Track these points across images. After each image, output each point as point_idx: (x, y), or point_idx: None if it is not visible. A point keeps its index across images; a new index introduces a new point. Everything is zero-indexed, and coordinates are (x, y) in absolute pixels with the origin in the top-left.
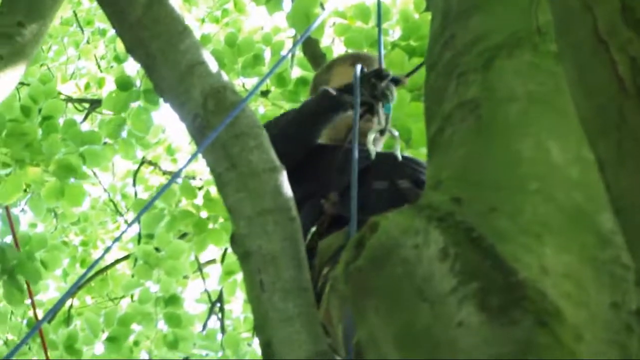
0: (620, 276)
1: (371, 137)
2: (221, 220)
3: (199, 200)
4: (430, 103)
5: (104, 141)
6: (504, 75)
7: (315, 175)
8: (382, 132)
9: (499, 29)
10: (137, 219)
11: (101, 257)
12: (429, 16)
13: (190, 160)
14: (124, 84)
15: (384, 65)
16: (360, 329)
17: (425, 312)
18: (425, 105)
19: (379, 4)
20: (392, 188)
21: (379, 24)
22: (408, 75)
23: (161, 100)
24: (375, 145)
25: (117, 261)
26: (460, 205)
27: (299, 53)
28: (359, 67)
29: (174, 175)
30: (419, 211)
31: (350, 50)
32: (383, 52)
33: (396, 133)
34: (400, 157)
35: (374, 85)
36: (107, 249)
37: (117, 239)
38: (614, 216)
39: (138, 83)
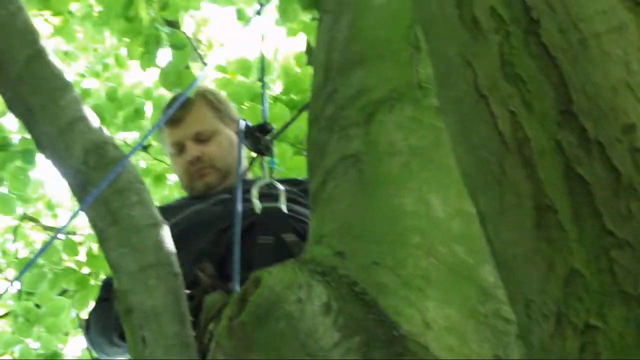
0: (501, 330)
1: (255, 191)
2: (103, 276)
3: (81, 257)
4: (312, 157)
5: None
6: (385, 130)
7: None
8: (268, 186)
9: (380, 83)
10: (18, 278)
11: None
12: (310, 70)
13: (72, 218)
14: (0, 144)
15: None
16: None
17: None
18: (308, 159)
19: (262, 58)
20: (278, 242)
21: (262, 78)
22: (286, 126)
23: (39, 158)
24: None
25: None
26: (343, 259)
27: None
28: (242, 122)
29: (56, 233)
30: (302, 265)
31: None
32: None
33: (281, 187)
34: (285, 210)
35: (257, 139)
36: None
37: None
38: (496, 269)
39: (15, 140)
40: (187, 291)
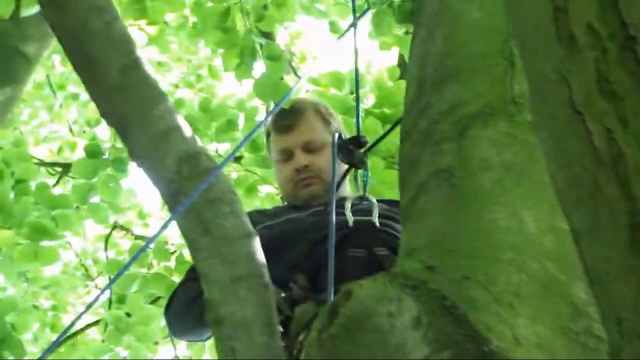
0: (593, 347)
1: (349, 204)
2: None
3: (172, 264)
4: (404, 171)
5: (76, 205)
6: (478, 145)
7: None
8: (361, 198)
9: (474, 98)
10: (112, 282)
11: (72, 324)
12: (402, 84)
13: (164, 226)
14: (93, 152)
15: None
16: None
17: None
18: (400, 173)
19: (356, 72)
20: (370, 256)
21: (356, 91)
22: (379, 140)
23: (131, 166)
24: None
25: (88, 326)
26: (433, 274)
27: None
28: (336, 135)
29: (149, 240)
30: (392, 279)
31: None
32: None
33: (374, 200)
34: (378, 224)
35: (351, 152)
36: (79, 316)
37: (90, 305)
38: (588, 287)
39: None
40: (282, 295)
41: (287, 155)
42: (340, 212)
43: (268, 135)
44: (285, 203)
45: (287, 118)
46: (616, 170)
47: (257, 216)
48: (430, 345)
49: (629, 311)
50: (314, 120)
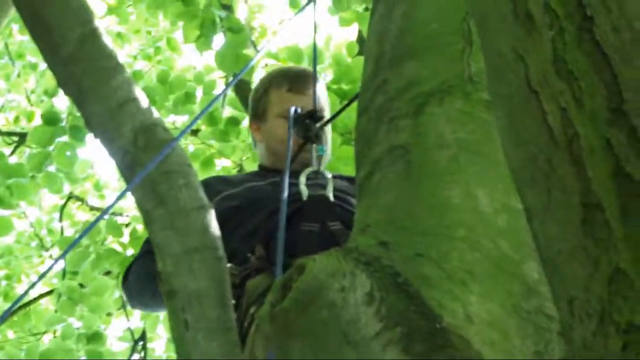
0: (544, 326)
1: (303, 178)
2: None
3: (125, 238)
4: (360, 147)
5: (31, 175)
6: (434, 122)
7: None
8: (315, 173)
9: (431, 75)
10: (62, 257)
11: (25, 293)
12: (361, 60)
13: (119, 198)
14: (50, 119)
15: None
16: None
17: (349, 356)
18: (356, 149)
19: (315, 47)
20: (323, 230)
21: (314, 66)
22: (335, 115)
23: (88, 136)
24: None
25: (41, 296)
26: (387, 250)
27: (230, 93)
28: (292, 109)
29: (102, 213)
30: (346, 254)
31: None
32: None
33: (329, 175)
34: (332, 199)
35: (307, 127)
36: (32, 285)
37: (42, 275)
38: (541, 266)
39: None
40: (232, 267)
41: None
42: (295, 185)
43: (265, 90)
44: (256, 167)
45: (303, 81)
46: (570, 150)
47: (219, 184)
48: (382, 321)
49: (580, 290)
50: (325, 95)
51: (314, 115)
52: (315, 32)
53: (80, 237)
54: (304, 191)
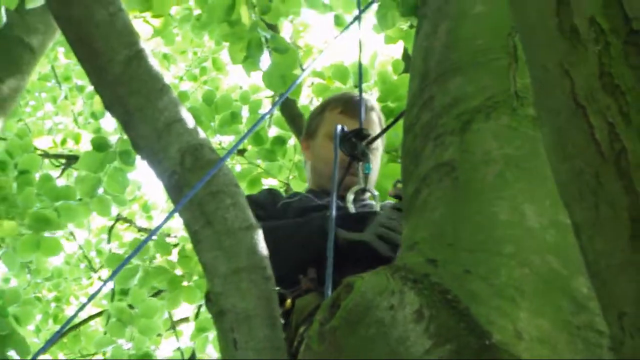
0: (593, 342)
1: (350, 197)
2: (195, 277)
3: (174, 257)
4: (407, 164)
5: (79, 197)
6: (481, 138)
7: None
8: (362, 191)
9: (477, 92)
10: (112, 277)
11: (75, 315)
12: (406, 78)
13: (167, 219)
14: (100, 145)
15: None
16: None
17: None
18: (402, 166)
19: (360, 65)
20: (372, 249)
21: (359, 84)
22: (381, 133)
23: (137, 160)
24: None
25: (90, 317)
26: (435, 267)
27: (276, 112)
28: (339, 127)
29: (151, 233)
30: (394, 272)
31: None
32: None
33: (376, 192)
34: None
35: (353, 145)
36: (82, 307)
37: (92, 297)
38: (589, 281)
39: (114, 140)
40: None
41: None
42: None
43: (320, 111)
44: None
45: (356, 105)
46: (618, 164)
47: (279, 196)
48: (431, 339)
49: (629, 305)
50: (378, 122)
51: (360, 133)
52: (360, 50)
53: (130, 256)
54: (352, 209)
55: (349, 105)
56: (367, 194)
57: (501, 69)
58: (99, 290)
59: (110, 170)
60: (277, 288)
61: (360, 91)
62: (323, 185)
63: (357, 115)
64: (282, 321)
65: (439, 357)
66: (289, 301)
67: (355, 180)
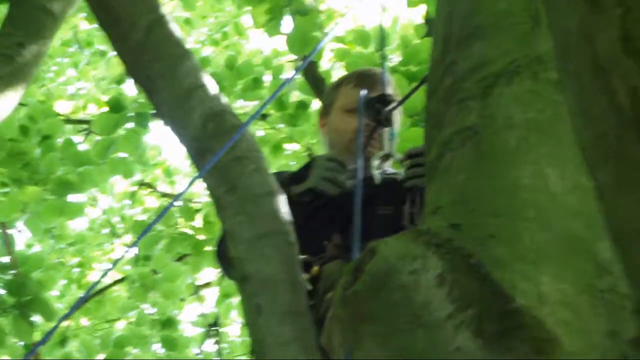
0: (617, 305)
1: (375, 162)
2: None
3: (197, 222)
4: (430, 128)
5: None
6: (503, 103)
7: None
8: (386, 157)
9: (499, 56)
10: (136, 243)
11: (99, 280)
12: (429, 42)
13: (190, 184)
14: (116, 106)
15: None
16: (356, 354)
17: (421, 338)
18: (425, 130)
19: (381, 30)
20: (397, 214)
21: (382, 49)
22: (405, 98)
23: (153, 123)
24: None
25: (114, 283)
26: (458, 232)
27: (298, 76)
28: (363, 91)
29: (174, 199)
30: (417, 237)
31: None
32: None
33: (400, 157)
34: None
35: (377, 111)
36: (105, 272)
37: (116, 262)
38: (612, 244)
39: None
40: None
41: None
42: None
43: (335, 88)
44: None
45: (370, 80)
46: None
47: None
48: (454, 303)
49: None
50: (393, 90)
51: (383, 99)
52: (382, 14)
53: (154, 222)
54: (377, 176)
55: (363, 78)
56: (389, 161)
57: (523, 33)
58: (123, 255)
59: (124, 132)
60: (304, 255)
61: (383, 55)
62: (339, 157)
63: (371, 87)
64: (310, 287)
65: (461, 321)
66: (316, 268)
67: (373, 150)
